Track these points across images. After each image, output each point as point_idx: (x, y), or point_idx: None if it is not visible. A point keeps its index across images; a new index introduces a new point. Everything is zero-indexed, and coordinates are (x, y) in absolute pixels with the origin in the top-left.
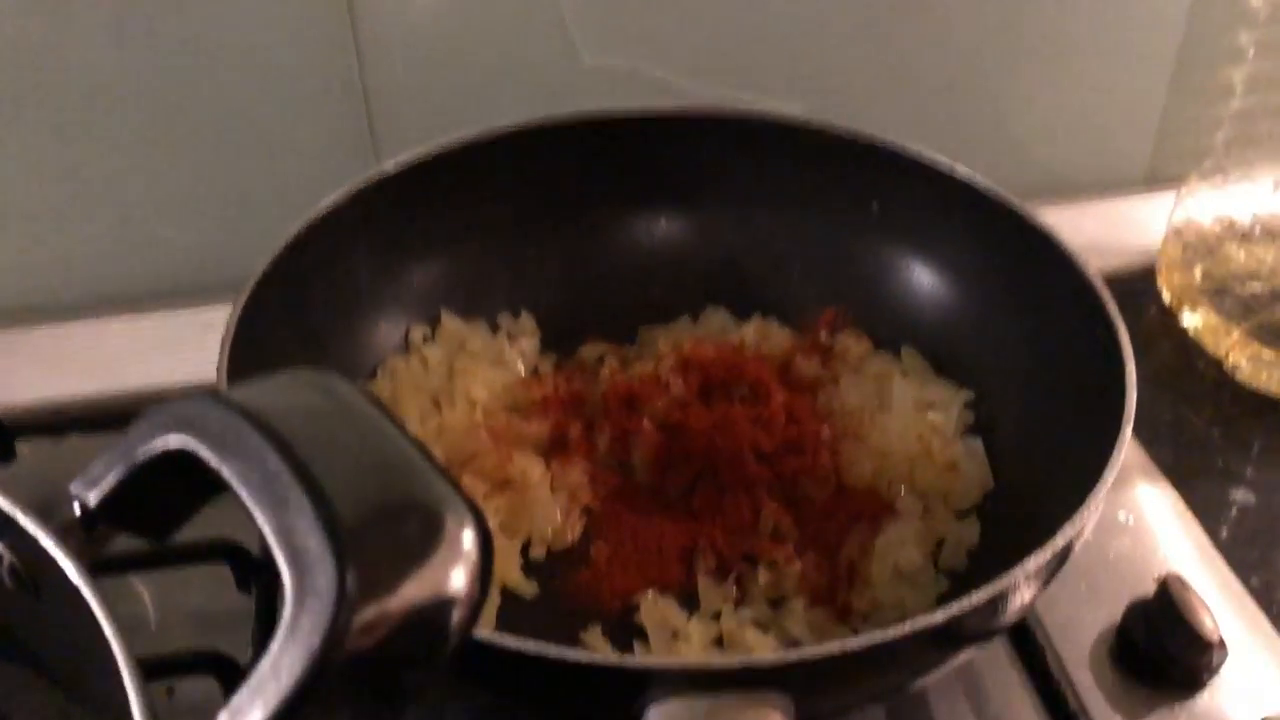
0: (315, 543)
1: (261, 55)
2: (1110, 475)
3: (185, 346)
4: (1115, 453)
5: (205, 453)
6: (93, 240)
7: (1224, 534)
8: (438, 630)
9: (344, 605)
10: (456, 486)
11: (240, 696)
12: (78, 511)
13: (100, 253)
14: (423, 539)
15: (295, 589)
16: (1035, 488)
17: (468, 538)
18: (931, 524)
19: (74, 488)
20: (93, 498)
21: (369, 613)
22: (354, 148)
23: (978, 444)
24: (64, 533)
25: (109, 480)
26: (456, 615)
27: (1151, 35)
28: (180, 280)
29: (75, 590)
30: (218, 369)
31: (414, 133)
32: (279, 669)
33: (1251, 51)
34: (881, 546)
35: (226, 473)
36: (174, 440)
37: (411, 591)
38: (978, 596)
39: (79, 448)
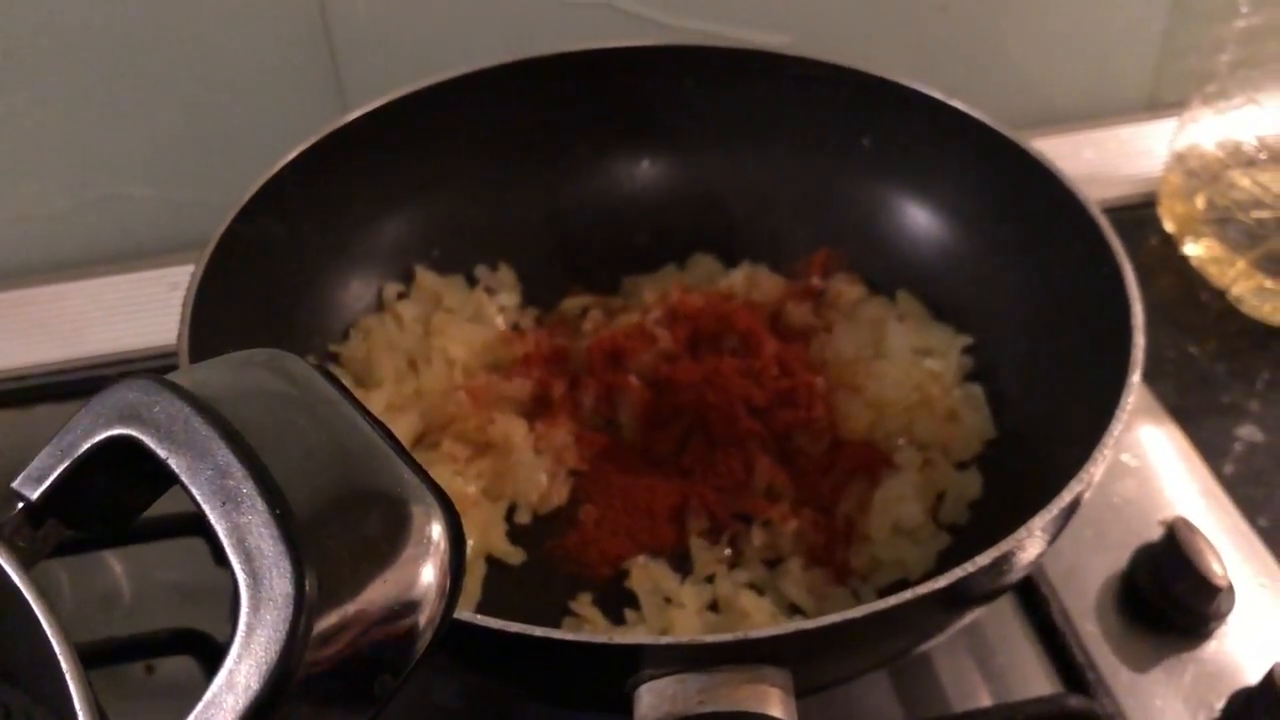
0: (270, 545)
1: (220, 2)
2: (1118, 426)
3: (150, 308)
4: (1122, 400)
5: (151, 444)
6: (49, 199)
7: (1230, 472)
8: (407, 632)
9: (302, 613)
10: (422, 473)
11: (196, 715)
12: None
13: (57, 213)
14: (387, 534)
15: (250, 595)
16: (1038, 436)
17: (435, 530)
18: (931, 476)
19: (16, 484)
20: (35, 494)
21: (331, 619)
22: (320, 97)
23: (978, 391)
24: (5, 531)
25: (52, 475)
26: (426, 614)
27: None
28: (143, 240)
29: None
30: (178, 337)
31: (382, 79)
32: (235, 685)
33: None
34: (880, 502)
35: (174, 466)
36: (117, 431)
37: (377, 593)
38: (983, 558)
39: (48, 418)
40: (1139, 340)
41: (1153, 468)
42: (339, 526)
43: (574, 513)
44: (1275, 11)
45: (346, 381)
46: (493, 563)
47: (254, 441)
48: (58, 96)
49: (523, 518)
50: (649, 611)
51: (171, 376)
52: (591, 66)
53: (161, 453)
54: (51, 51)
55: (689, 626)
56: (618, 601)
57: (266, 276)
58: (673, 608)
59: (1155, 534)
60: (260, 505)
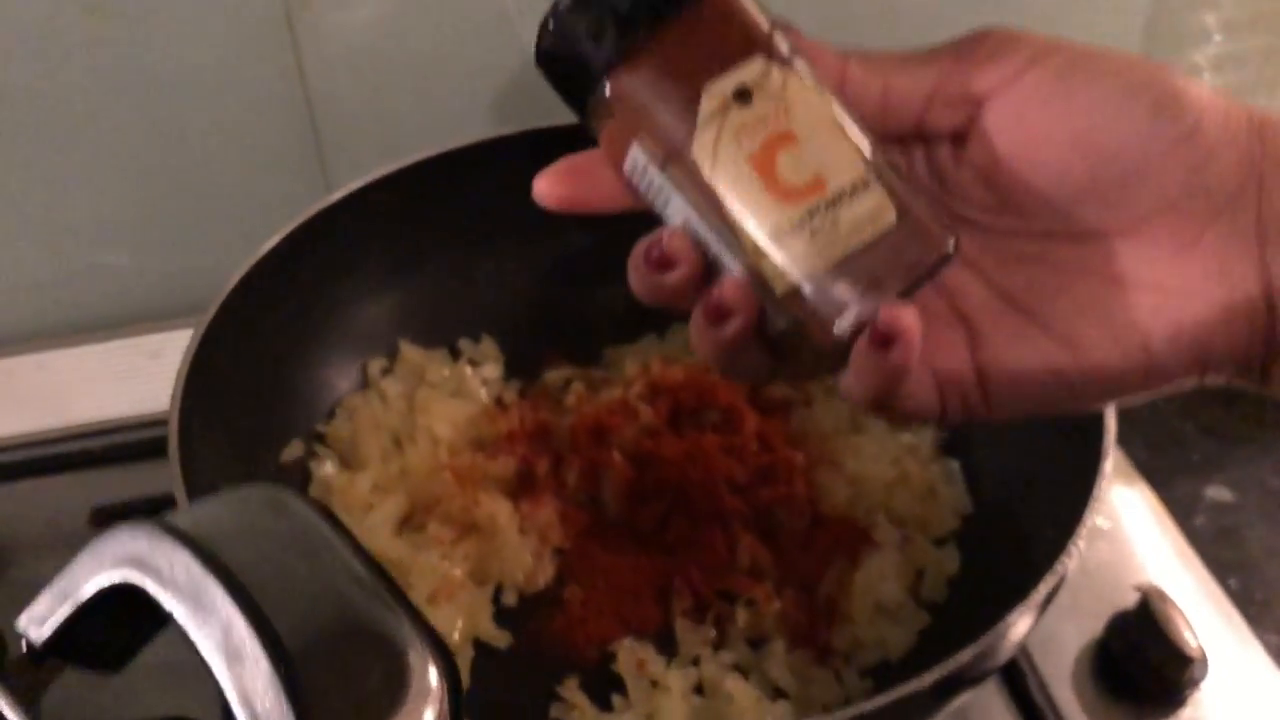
0: (274, 703)
1: (201, 74)
2: (1096, 504)
3: (133, 376)
4: (1099, 476)
5: (154, 592)
6: (30, 268)
7: (1200, 533)
8: None
9: None
10: (416, 615)
11: None
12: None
13: (38, 281)
14: (387, 685)
15: None
16: (1014, 509)
17: (433, 677)
18: (910, 554)
19: (20, 624)
20: (39, 636)
21: None
22: (301, 165)
23: (955, 466)
24: (10, 670)
25: (55, 618)
26: None
27: None
28: (124, 308)
29: None
30: (170, 432)
31: (363, 146)
32: None
33: None
34: (861, 582)
35: (178, 617)
36: (119, 578)
37: None
38: (967, 653)
39: (30, 492)
40: (1110, 425)
41: (1125, 530)
42: (340, 679)
43: (559, 592)
44: (1249, 38)
45: (332, 463)
46: (480, 647)
47: (255, 589)
48: (38, 165)
49: (509, 599)
50: (635, 697)
51: (170, 516)
52: (568, 141)
53: (165, 602)
54: (32, 121)
55: (675, 712)
56: (605, 685)
57: (253, 358)
58: (659, 692)
59: (1130, 599)
60: (264, 665)
